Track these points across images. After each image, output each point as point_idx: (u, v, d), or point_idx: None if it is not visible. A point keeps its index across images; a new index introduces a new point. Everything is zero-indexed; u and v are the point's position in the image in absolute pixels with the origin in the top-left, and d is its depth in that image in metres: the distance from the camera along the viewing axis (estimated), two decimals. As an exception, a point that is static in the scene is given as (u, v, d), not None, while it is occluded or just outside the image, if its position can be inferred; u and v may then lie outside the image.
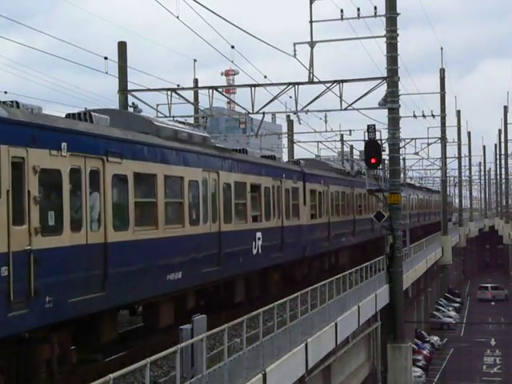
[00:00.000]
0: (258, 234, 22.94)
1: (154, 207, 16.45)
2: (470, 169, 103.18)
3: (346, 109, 29.17)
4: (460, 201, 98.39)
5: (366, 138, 30.51)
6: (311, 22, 29.76)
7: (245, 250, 21.90)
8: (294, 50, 29.10)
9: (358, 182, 39.95)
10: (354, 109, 29.57)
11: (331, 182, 33.61)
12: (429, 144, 62.05)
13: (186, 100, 31.34)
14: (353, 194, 38.20)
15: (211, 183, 19.58)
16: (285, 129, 56.08)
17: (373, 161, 29.25)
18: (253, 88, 29.10)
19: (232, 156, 21.68)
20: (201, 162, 19.01)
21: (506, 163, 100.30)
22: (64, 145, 13.16)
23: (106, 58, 26.82)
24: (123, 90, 29.79)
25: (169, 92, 29.44)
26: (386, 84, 29.41)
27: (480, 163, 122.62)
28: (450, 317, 71.41)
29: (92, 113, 15.31)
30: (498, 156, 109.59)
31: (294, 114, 33.26)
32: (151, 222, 16.34)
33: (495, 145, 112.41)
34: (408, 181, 63.75)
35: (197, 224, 18.56)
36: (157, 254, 16.34)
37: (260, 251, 22.87)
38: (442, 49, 65.36)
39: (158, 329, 17.52)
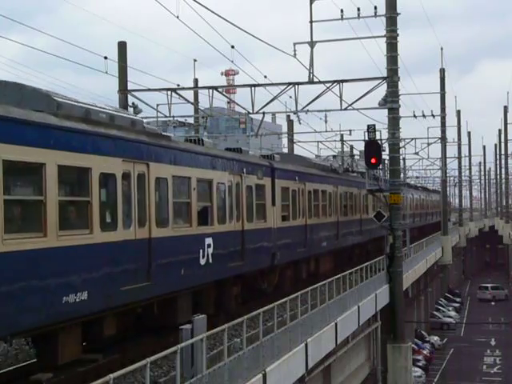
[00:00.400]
0: (208, 240, 18.95)
1: (40, 207, 12.49)
2: (470, 169, 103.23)
3: (345, 109, 29.17)
4: (460, 201, 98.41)
5: (366, 138, 30.51)
6: (311, 21, 29.77)
7: (188, 260, 17.88)
8: (294, 50, 29.13)
9: (344, 180, 36.83)
10: (354, 109, 29.57)
11: (309, 179, 29.47)
12: (429, 144, 62.16)
13: (186, 100, 31.35)
14: (337, 193, 34.31)
15: (137, 177, 15.54)
16: (285, 129, 56.12)
17: (373, 161, 29.26)
18: (253, 88, 29.10)
19: (170, 144, 17.47)
20: (121, 150, 14.94)
21: (506, 163, 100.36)
22: None
23: (105, 58, 26.87)
24: (123, 90, 29.82)
25: (169, 92, 29.45)
26: (385, 84, 29.41)
27: (480, 163, 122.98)
28: (450, 317, 71.47)
29: None
30: (497, 156, 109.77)
31: (294, 113, 33.27)
32: (36, 228, 12.42)
33: (495, 145, 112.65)
34: (407, 180, 63.72)
35: (113, 229, 14.50)
36: (44, 269, 12.49)
37: (211, 260, 18.93)
38: (442, 49, 65.41)
39: (58, 365, 14.04)
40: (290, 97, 40.65)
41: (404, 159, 55.50)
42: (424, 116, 48.22)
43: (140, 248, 15.47)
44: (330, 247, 32.42)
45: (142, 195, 15.77)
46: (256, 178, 23.09)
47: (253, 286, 23.99)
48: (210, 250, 18.99)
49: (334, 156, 49.32)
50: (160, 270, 16.16)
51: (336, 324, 22.31)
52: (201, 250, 18.54)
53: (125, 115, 16.74)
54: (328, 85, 28.84)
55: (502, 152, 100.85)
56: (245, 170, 22.03)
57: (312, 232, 29.17)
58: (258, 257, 22.94)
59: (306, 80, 29.13)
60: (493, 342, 63.69)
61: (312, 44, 29.28)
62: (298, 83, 28.88)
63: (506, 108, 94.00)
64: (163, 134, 18.39)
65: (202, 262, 18.59)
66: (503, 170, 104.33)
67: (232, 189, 20.97)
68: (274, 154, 28.35)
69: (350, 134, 51.50)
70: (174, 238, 17.12)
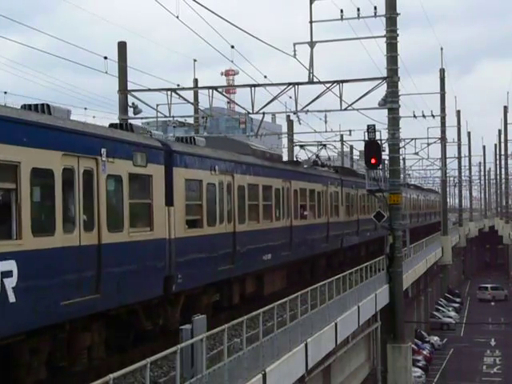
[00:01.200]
0: (7, 265, 11.35)
1: None
2: (469, 169, 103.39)
3: (345, 109, 29.18)
4: (460, 201, 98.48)
5: (366, 139, 30.52)
6: (311, 22, 29.83)
7: None
8: (294, 50, 29.18)
9: (302, 174, 29.90)
10: (353, 109, 29.59)
11: (241, 170, 22.25)
12: (429, 144, 62.28)
13: (186, 100, 31.36)
14: (289, 190, 26.96)
15: None
16: (285, 129, 56.16)
17: (373, 161, 29.28)
18: (253, 88, 29.13)
19: None
20: None
21: (506, 163, 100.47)
22: None
23: (105, 58, 26.91)
24: (123, 90, 29.84)
25: (169, 92, 29.48)
26: (385, 84, 29.43)
27: (480, 163, 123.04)
28: (450, 317, 71.45)
29: None
30: (497, 156, 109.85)
31: (294, 114, 33.28)
32: None
33: (495, 145, 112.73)
34: (407, 180, 63.73)
35: None
36: None
37: (13, 299, 11.43)
38: (441, 49, 65.58)
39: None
40: (290, 97, 40.52)
41: (404, 159, 55.63)
42: (424, 116, 48.31)
43: None
44: (278, 260, 25.25)
45: None
46: (132, 165, 15.56)
47: (134, 327, 16.42)
48: (11, 282, 11.42)
49: (301, 146, 42.87)
50: None
51: (336, 324, 22.32)
52: None
53: None
54: (328, 85, 28.86)
55: (502, 152, 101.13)
56: (104, 151, 14.44)
57: (246, 241, 22.03)
58: (134, 284, 15.45)
59: (306, 80, 29.16)
60: (493, 342, 63.65)
61: (312, 44, 29.33)
62: (298, 83, 28.90)
63: (505, 108, 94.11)
64: None
65: None
66: (503, 170, 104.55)
67: (73, 180, 13.48)
68: (196, 136, 21.73)
69: (350, 135, 51.62)
70: None
